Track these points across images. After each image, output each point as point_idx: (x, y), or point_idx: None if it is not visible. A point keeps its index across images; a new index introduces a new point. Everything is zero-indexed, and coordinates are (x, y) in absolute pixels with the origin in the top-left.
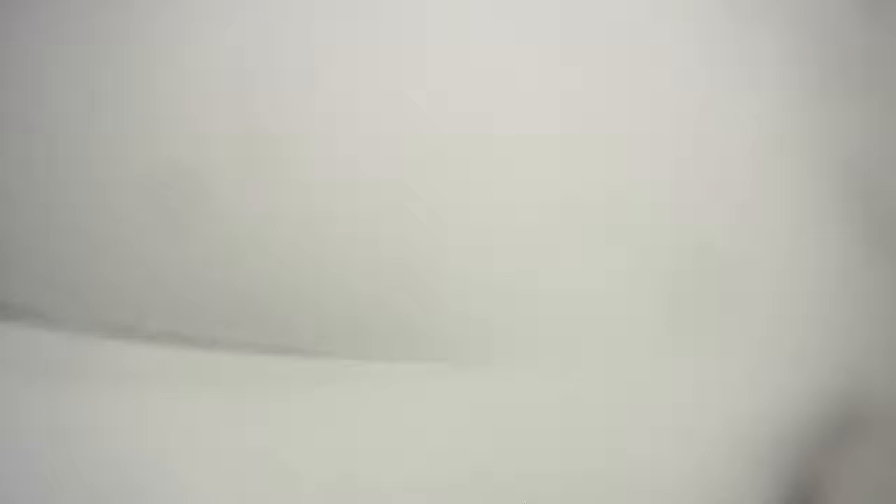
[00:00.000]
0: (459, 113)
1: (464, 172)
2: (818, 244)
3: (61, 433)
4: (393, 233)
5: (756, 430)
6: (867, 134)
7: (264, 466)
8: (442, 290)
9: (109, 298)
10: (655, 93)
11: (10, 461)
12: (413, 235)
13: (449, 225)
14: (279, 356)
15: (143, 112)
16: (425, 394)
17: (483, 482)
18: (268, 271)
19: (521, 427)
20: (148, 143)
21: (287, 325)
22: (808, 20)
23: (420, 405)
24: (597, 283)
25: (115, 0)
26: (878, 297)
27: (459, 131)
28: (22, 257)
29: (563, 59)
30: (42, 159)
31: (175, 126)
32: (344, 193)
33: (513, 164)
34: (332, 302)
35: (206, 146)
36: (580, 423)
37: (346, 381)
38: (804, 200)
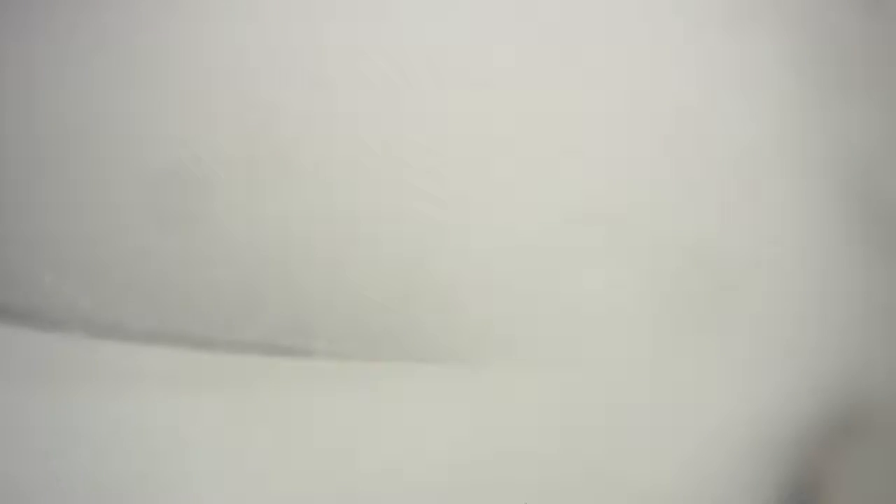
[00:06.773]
0: (460, 114)
1: (465, 174)
2: (818, 244)
3: (62, 434)
4: (393, 234)
5: (756, 429)
6: (867, 134)
7: (265, 467)
8: (442, 291)
9: (110, 298)
10: (655, 93)
11: (11, 462)
12: (414, 237)
13: (449, 227)
14: (280, 357)
15: (143, 112)
16: (426, 394)
17: (483, 482)
18: (268, 272)
19: (520, 427)
20: (149, 143)
21: (287, 326)
22: (807, 20)
23: (420, 405)
24: (597, 284)
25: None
26: (877, 296)
27: (460, 133)
28: (22, 258)
29: (563, 59)
30: (42, 160)
31: (175, 126)
32: (344, 194)
33: (513, 166)
34: (332, 303)
35: (206, 146)
36: (580, 423)
37: (346, 382)
38: (804, 200)
